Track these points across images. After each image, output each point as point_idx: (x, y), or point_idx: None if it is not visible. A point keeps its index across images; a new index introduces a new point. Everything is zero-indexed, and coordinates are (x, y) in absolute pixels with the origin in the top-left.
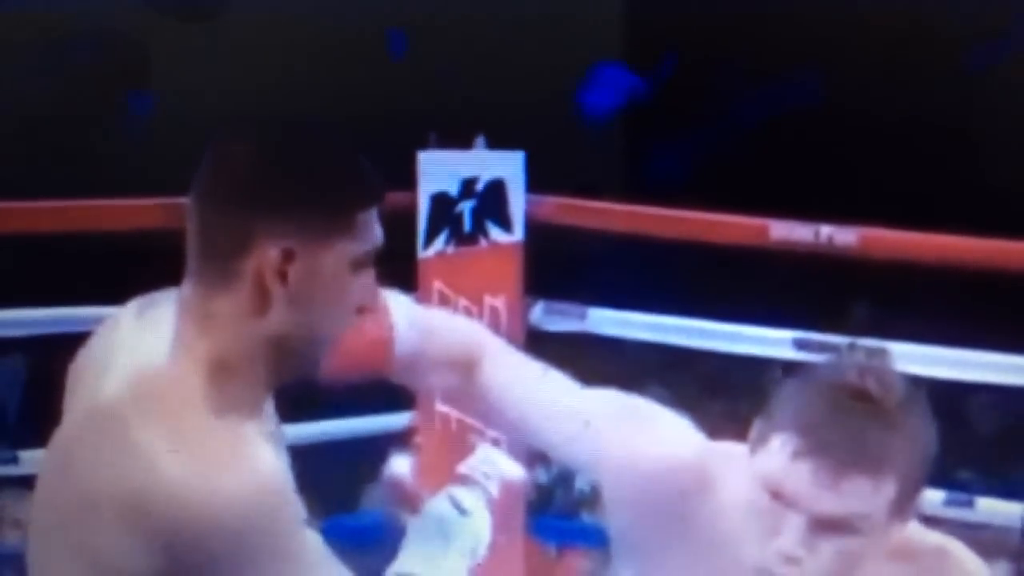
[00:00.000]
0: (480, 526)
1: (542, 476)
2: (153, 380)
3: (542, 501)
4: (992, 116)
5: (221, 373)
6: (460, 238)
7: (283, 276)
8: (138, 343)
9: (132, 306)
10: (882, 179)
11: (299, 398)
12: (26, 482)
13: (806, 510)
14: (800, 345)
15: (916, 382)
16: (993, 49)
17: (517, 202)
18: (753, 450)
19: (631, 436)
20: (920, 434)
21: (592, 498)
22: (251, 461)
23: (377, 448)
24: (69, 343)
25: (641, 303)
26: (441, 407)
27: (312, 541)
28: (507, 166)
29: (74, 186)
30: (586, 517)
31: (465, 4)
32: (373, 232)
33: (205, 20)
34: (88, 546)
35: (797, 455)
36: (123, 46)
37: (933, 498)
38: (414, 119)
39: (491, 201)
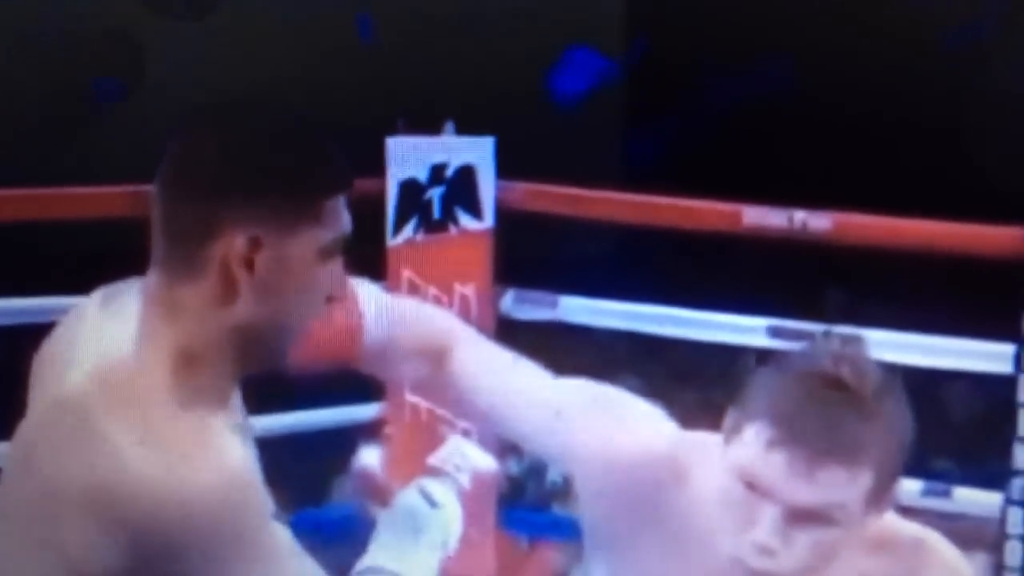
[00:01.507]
0: (451, 518)
1: (513, 468)
2: (118, 371)
3: (514, 493)
4: (968, 100)
5: (187, 364)
6: (429, 225)
7: (250, 264)
8: (103, 334)
9: (97, 296)
10: (856, 164)
11: (267, 389)
12: None
13: (781, 500)
14: (774, 333)
15: (892, 370)
16: (968, 31)
17: (487, 188)
18: (727, 440)
19: (603, 426)
20: (896, 423)
21: (564, 490)
22: (218, 453)
23: (346, 440)
24: (33, 334)
25: (613, 291)
26: (411, 397)
27: (280, 534)
28: (477, 152)
29: (41, 175)
30: (558, 509)
31: None
32: (341, 219)
33: (196, 17)
34: (53, 539)
35: (772, 445)
36: (98, 32)
37: (910, 488)
38: (383, 105)
39: (461, 187)
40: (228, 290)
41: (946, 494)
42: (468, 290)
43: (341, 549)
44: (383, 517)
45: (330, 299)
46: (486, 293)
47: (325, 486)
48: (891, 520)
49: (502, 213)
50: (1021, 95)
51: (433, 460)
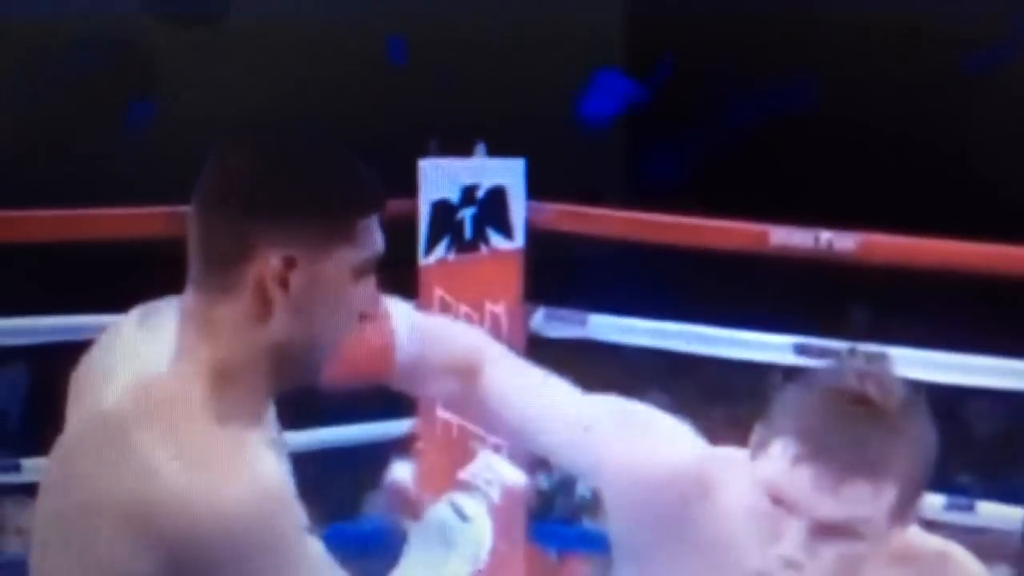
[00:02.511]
0: (481, 532)
1: (543, 482)
2: (155, 387)
3: (543, 507)
4: (991, 120)
5: (222, 380)
6: (461, 245)
7: (284, 283)
8: (140, 351)
9: (134, 314)
10: (881, 184)
11: (301, 405)
12: (28, 490)
13: (807, 515)
14: (800, 350)
15: (916, 386)
16: (991, 53)
17: (518, 209)
18: (754, 455)
19: (632, 442)
20: (920, 438)
21: (593, 504)
22: (253, 468)
23: (379, 455)
24: (71, 351)
25: (641, 309)
26: (442, 414)
27: (314, 548)
28: (507, 173)
29: (76, 194)
30: (587, 523)
31: (465, 11)
32: (374, 239)
33: (206, 24)
34: (90, 554)
35: (798, 460)
36: (127, 54)
37: (933, 502)
38: (415, 127)
39: (492, 208)
40: (263, 308)
41: (969, 508)
42: (499, 308)
43: (373, 562)
44: (414, 531)
45: (363, 317)
46: (516, 311)
47: (358, 500)
48: (915, 534)
49: (532, 233)
50: None
51: (464, 475)
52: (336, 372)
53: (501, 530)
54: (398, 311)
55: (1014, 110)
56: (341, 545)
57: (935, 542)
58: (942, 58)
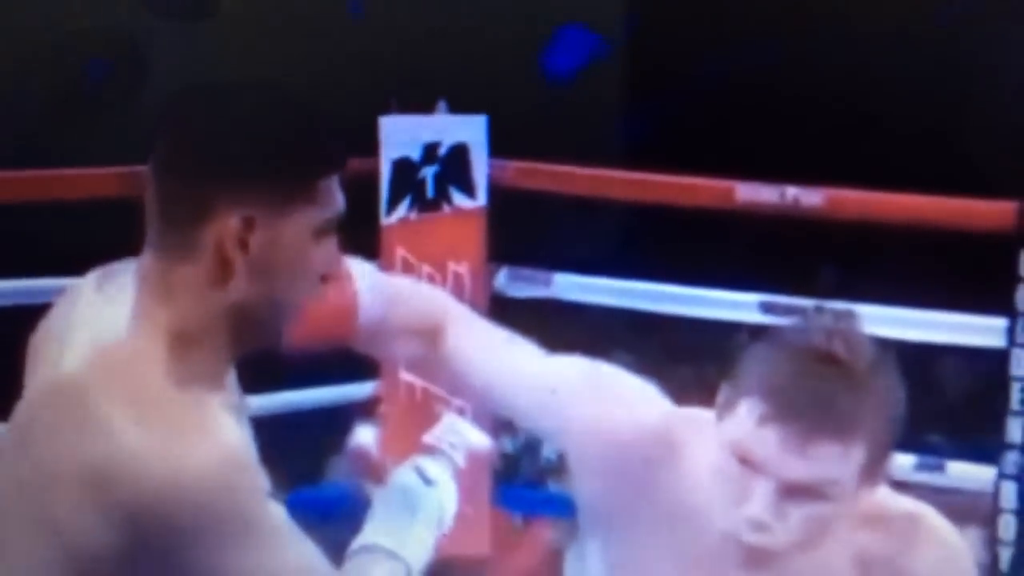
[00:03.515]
0: (446, 496)
1: (508, 445)
2: (114, 352)
3: (508, 470)
4: (959, 74)
5: (182, 344)
6: (423, 204)
7: (244, 245)
8: (98, 315)
9: (92, 277)
10: (848, 140)
11: (262, 368)
12: None
13: (775, 475)
14: (766, 308)
15: (884, 344)
16: (959, 6)
17: (480, 167)
18: (720, 416)
19: (597, 403)
20: (889, 397)
21: (559, 467)
22: (213, 433)
23: (341, 419)
24: (29, 315)
25: (606, 268)
26: (406, 376)
27: (276, 513)
28: (470, 130)
29: (35, 158)
30: (553, 486)
31: None
32: (335, 199)
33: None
34: (49, 520)
35: (764, 420)
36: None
37: (903, 462)
38: (375, 84)
39: (454, 166)
40: (223, 270)
41: (939, 468)
42: (462, 268)
43: (337, 527)
44: (378, 495)
45: (324, 278)
46: (479, 271)
47: (321, 465)
48: (885, 494)
49: (495, 191)
50: (1011, 70)
51: (428, 438)
52: (298, 334)
53: (466, 494)
54: (360, 272)
55: (982, 63)
56: (304, 510)
57: (905, 503)
58: (908, 10)
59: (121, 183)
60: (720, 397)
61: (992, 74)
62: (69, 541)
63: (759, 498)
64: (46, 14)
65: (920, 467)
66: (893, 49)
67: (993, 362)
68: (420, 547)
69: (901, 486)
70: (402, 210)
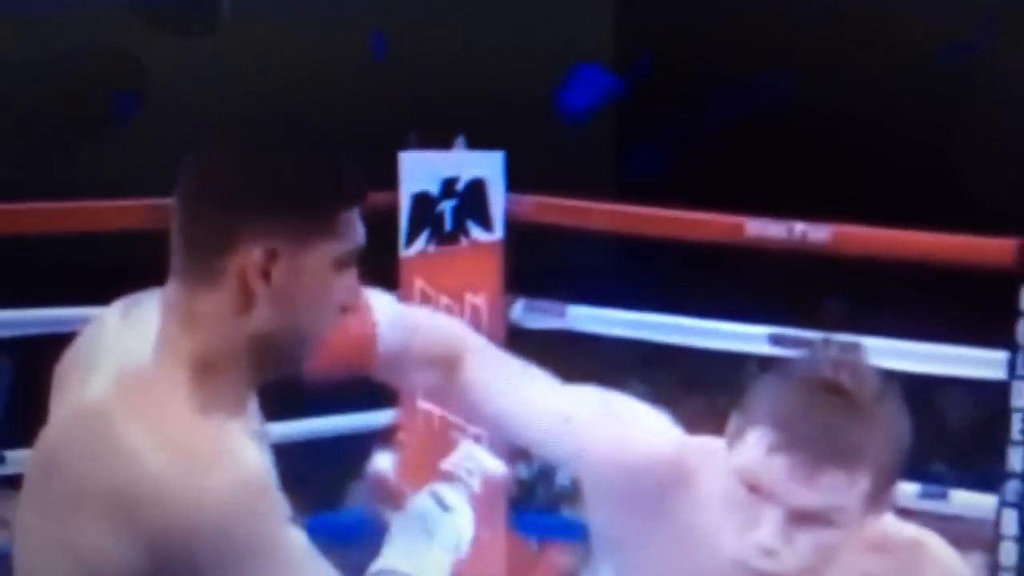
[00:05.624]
0: (463, 522)
1: (523, 472)
2: (138, 379)
3: (523, 496)
4: (965, 113)
5: (205, 372)
6: (441, 237)
7: (267, 275)
8: (123, 343)
9: (117, 306)
10: (855, 177)
11: (283, 396)
12: (12, 482)
13: (783, 503)
14: (775, 341)
15: (890, 376)
16: (964, 46)
17: (497, 201)
18: (730, 444)
19: (611, 432)
20: (894, 427)
21: (573, 493)
22: (235, 459)
23: (360, 445)
24: (55, 344)
25: (620, 300)
26: (424, 404)
27: (296, 538)
28: (487, 166)
29: (61, 188)
30: (567, 512)
31: (445, 5)
32: (356, 231)
33: (201, 35)
34: (73, 545)
35: (773, 449)
36: (110, 49)
37: (907, 491)
38: (395, 120)
39: (471, 200)
40: (245, 300)
41: (942, 496)
42: (479, 300)
43: (355, 552)
44: (396, 520)
45: (345, 309)
46: (496, 303)
47: (340, 491)
48: (890, 521)
49: (512, 225)
50: (1014, 108)
51: (445, 465)
52: (318, 363)
53: (482, 519)
54: (380, 303)
55: (989, 102)
56: (323, 535)
57: (910, 530)
58: (914, 49)
59: (148, 215)
60: (730, 426)
61: (996, 113)
62: (93, 566)
63: (768, 525)
64: (53, 39)
65: (924, 495)
66: (897, 87)
67: (995, 394)
68: (437, 571)
69: (906, 513)
70: (421, 243)
